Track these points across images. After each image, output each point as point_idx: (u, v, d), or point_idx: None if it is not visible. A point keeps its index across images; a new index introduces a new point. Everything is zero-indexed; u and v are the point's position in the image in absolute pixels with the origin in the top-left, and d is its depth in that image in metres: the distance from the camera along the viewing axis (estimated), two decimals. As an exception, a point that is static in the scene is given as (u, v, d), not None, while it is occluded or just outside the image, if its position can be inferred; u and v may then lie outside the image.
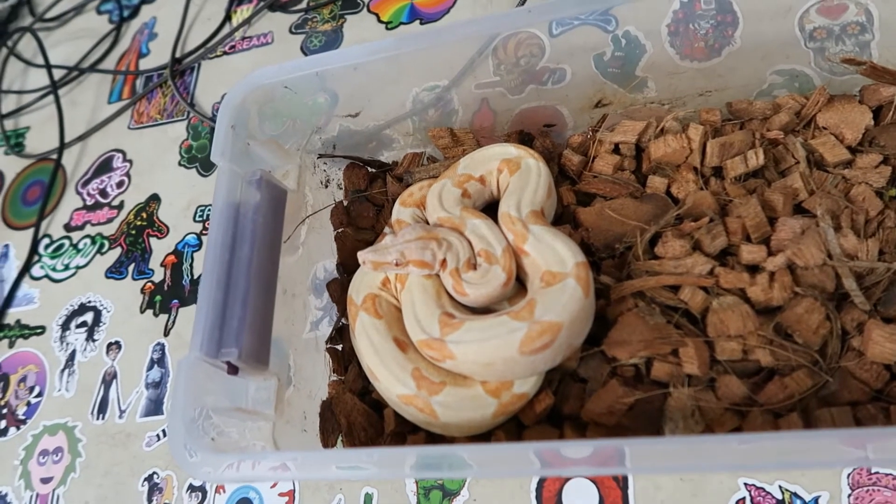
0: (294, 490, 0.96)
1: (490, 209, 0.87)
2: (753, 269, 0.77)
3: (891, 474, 0.74)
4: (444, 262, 0.78)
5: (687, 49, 0.96)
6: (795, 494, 0.76)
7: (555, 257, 0.75)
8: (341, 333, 0.93)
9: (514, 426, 0.78)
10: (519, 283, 0.81)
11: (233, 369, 0.75)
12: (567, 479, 0.84)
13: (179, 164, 1.33)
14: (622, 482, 0.82)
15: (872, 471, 0.75)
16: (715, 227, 0.78)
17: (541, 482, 0.85)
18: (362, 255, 0.79)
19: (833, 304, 0.73)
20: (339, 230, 0.98)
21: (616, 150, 0.91)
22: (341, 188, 1.04)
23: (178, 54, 1.47)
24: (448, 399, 0.74)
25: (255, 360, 0.77)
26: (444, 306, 0.77)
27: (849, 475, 0.75)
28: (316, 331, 0.94)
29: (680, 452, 0.57)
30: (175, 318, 1.14)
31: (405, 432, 0.82)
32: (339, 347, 0.92)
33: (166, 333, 1.13)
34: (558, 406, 0.77)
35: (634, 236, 0.81)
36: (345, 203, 1.01)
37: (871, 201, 0.77)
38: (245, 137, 0.88)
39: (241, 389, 0.78)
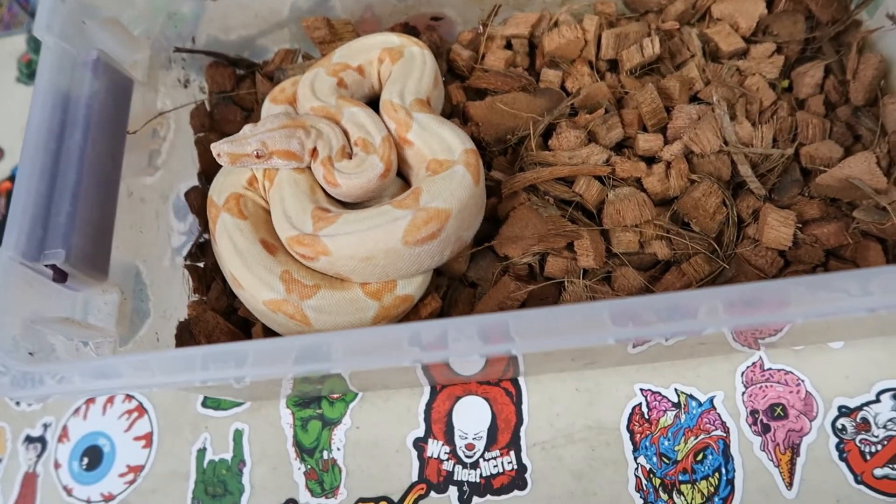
0: (152, 432, 0.84)
1: (372, 105, 0.78)
2: (650, 161, 0.73)
3: (783, 369, 0.72)
4: (314, 151, 0.68)
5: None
6: (691, 396, 0.73)
7: (441, 145, 0.67)
8: (203, 249, 0.82)
9: (397, 335, 0.70)
10: (401, 180, 0.73)
11: (59, 275, 0.63)
12: (458, 398, 0.77)
13: (18, 81, 1.16)
14: (516, 397, 0.76)
15: (765, 367, 0.73)
16: (611, 118, 0.73)
17: (429, 403, 0.78)
18: (217, 147, 0.67)
19: (729, 192, 0.69)
20: (201, 134, 0.86)
21: (508, 45, 0.84)
22: (204, 92, 0.91)
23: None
24: (322, 303, 0.65)
25: (90, 266, 0.65)
26: (319, 201, 0.68)
27: (742, 373, 0.73)
28: (179, 256, 0.83)
29: (568, 323, 0.50)
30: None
31: (277, 352, 0.72)
32: (201, 265, 0.81)
33: None
34: (446, 311, 0.70)
35: (527, 128, 0.74)
36: (207, 106, 0.88)
37: (764, 92, 0.74)
38: (79, 14, 0.74)
39: (74, 303, 0.66)
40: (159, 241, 0.81)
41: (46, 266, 0.62)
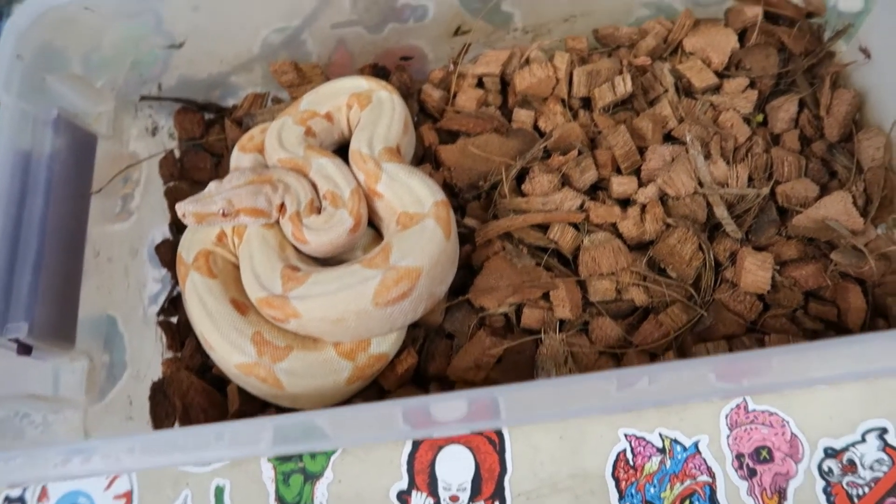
0: (132, 491, 0.82)
1: (342, 152, 0.76)
2: (625, 204, 0.71)
3: (767, 411, 0.71)
4: (282, 206, 0.67)
5: (554, -21, 0.89)
6: (675, 440, 0.72)
7: (411, 197, 0.66)
8: (176, 304, 0.80)
9: (373, 393, 0.69)
10: (373, 230, 0.72)
11: (24, 349, 0.61)
12: (440, 448, 0.76)
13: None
14: (499, 446, 0.75)
15: (749, 409, 0.72)
16: (584, 160, 0.72)
17: (412, 454, 0.76)
18: (181, 207, 0.65)
19: (705, 234, 0.68)
20: (171, 184, 0.84)
21: (480, 83, 0.83)
22: (174, 137, 0.90)
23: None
24: (295, 365, 0.64)
25: (55, 336, 0.64)
26: (288, 259, 0.66)
27: (727, 416, 0.72)
28: (154, 306, 0.81)
29: (555, 396, 0.50)
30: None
31: (253, 411, 0.71)
32: (174, 320, 0.80)
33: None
34: (423, 366, 0.69)
35: (500, 173, 0.73)
36: (177, 154, 0.87)
37: (738, 128, 0.73)
38: (41, 70, 0.73)
39: (43, 373, 0.64)
40: (129, 298, 0.79)
41: (10, 340, 0.61)
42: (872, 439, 0.68)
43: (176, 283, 0.80)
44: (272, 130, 0.74)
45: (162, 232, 0.85)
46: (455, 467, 0.75)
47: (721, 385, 0.53)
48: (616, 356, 0.65)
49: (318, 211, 0.68)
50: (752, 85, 0.75)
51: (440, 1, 0.89)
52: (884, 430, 0.69)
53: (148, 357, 0.77)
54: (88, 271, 0.70)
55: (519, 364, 0.65)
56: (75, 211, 0.70)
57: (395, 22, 0.91)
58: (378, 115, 0.73)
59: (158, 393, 0.73)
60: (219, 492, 0.79)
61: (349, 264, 0.64)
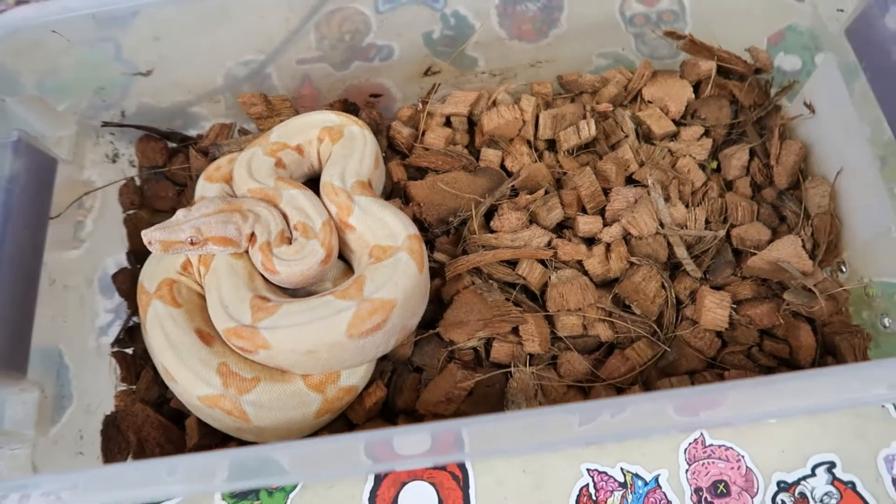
0: (73, 531, 0.77)
1: (311, 185, 0.76)
2: (590, 242, 0.74)
3: (723, 445, 0.74)
4: (252, 236, 0.66)
5: (516, 30, 0.93)
6: (636, 475, 0.73)
7: (384, 230, 0.67)
8: (132, 335, 0.77)
9: (341, 426, 0.68)
10: (343, 263, 0.72)
11: (-28, 378, 0.58)
12: (403, 484, 0.75)
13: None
14: (463, 481, 0.75)
15: (707, 443, 0.74)
16: (551, 199, 0.74)
17: (374, 490, 0.75)
18: (148, 234, 0.64)
19: (667, 273, 0.71)
20: (131, 212, 0.82)
21: (448, 123, 0.85)
22: (134, 165, 0.88)
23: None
24: (262, 398, 0.63)
25: (6, 365, 0.61)
26: (258, 289, 0.66)
27: (685, 450, 0.74)
28: (105, 336, 0.78)
29: (521, 429, 0.51)
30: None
31: (212, 446, 0.69)
32: (130, 351, 0.77)
33: None
34: (391, 399, 0.69)
35: (469, 210, 0.75)
36: (138, 182, 0.85)
37: (695, 173, 0.77)
38: (0, 92, 0.71)
39: (-11, 405, 0.61)
40: (83, 328, 0.76)
41: (-43, 369, 0.58)
42: (822, 473, 0.71)
43: (133, 313, 0.77)
44: (241, 161, 0.74)
45: (116, 261, 0.83)
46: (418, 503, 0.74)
47: (680, 418, 0.54)
48: (584, 390, 0.66)
49: (289, 241, 0.67)
50: (706, 133, 0.79)
51: (406, 43, 0.91)
52: (832, 465, 0.72)
53: (100, 390, 0.74)
54: (43, 299, 0.68)
55: (489, 397, 0.66)
56: (33, 236, 0.67)
57: (361, 61, 0.92)
58: (350, 149, 0.74)
59: (111, 427, 0.70)
60: (170, 533, 0.75)
61: (321, 295, 0.63)
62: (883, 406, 0.73)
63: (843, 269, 0.73)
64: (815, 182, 0.73)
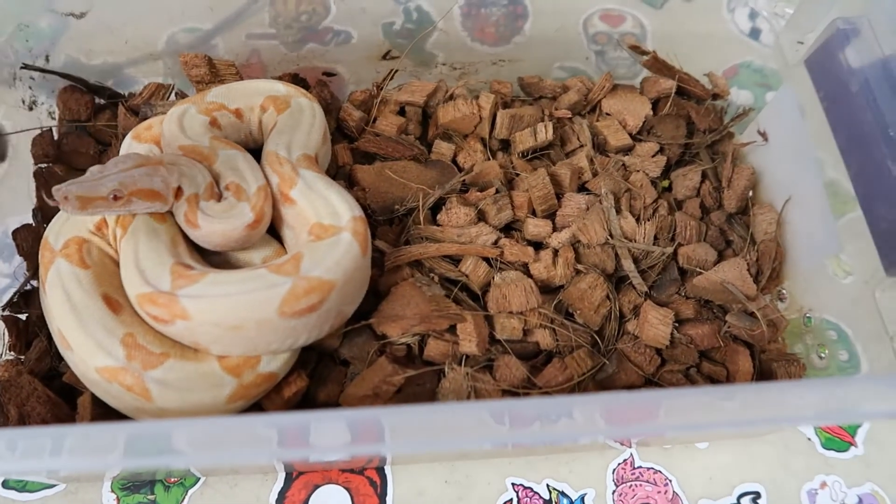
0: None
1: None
2: (537, 246, 0.71)
3: (652, 468, 0.72)
4: (178, 190, 0.60)
5: (478, 32, 0.91)
6: (563, 493, 0.70)
7: (327, 209, 0.62)
8: (28, 299, 0.70)
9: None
10: (278, 244, 0.67)
11: None
12: (316, 487, 0.70)
13: None
14: (380, 488, 0.70)
15: (636, 465, 0.72)
16: (501, 199, 0.71)
17: (282, 491, 0.69)
18: (63, 189, 0.55)
19: (612, 286, 0.69)
20: (43, 165, 0.75)
21: (401, 111, 0.81)
22: (54, 118, 0.80)
23: None
24: (169, 376, 0.56)
25: None
26: (180, 256, 0.59)
27: (613, 470, 0.71)
28: (-3, 302, 0.70)
29: (445, 423, 0.47)
30: None
31: (106, 427, 0.62)
32: (23, 317, 0.69)
33: None
34: (312, 391, 0.64)
35: (416, 200, 0.71)
36: (55, 135, 0.77)
37: (647, 189, 0.76)
38: None
39: None
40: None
41: None
42: (747, 502, 0.70)
43: (32, 275, 0.70)
44: (171, 116, 0.68)
45: (19, 219, 0.75)
46: (331, 509, 0.68)
47: (608, 427, 0.51)
48: (518, 396, 0.63)
49: (218, 199, 0.62)
50: (661, 151, 0.78)
51: (365, 32, 0.88)
52: (757, 495, 0.71)
53: (-18, 357, 0.65)
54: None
55: (419, 396, 0.61)
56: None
57: (316, 43, 0.89)
58: (297, 120, 0.69)
59: (-10, 398, 0.62)
60: (45, 525, 0.67)
61: (253, 268, 0.58)
62: (809, 439, 0.73)
63: (783, 299, 0.73)
64: (763, 209, 0.74)
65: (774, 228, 0.72)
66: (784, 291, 0.73)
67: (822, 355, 0.68)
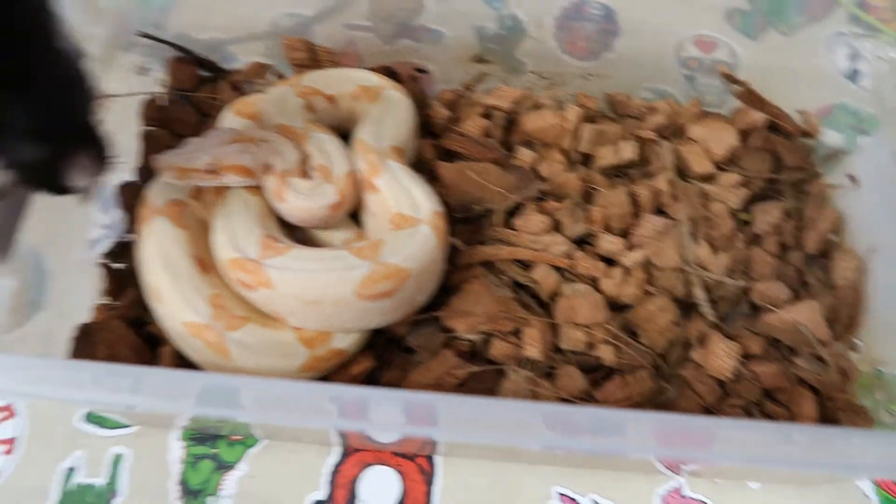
0: (16, 438, 0.73)
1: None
2: (609, 263, 0.72)
3: (701, 500, 0.71)
4: (269, 166, 0.63)
5: (569, 45, 0.92)
6: (605, 509, 0.71)
7: (409, 200, 0.64)
8: (125, 251, 0.74)
9: (319, 389, 0.65)
10: (355, 225, 0.69)
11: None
12: (368, 465, 0.72)
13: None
14: (430, 476, 0.72)
15: (684, 494, 0.71)
16: (578, 211, 0.72)
17: (337, 465, 0.72)
18: (163, 159, 0.60)
19: (681, 311, 0.69)
20: (150, 128, 0.79)
21: (487, 115, 0.83)
22: (164, 85, 0.85)
23: None
24: (248, 338, 0.59)
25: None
26: (269, 229, 0.63)
27: (662, 496, 0.71)
28: (92, 251, 0.75)
29: (499, 417, 0.48)
30: None
31: (182, 379, 0.65)
32: (120, 266, 0.73)
33: None
34: (376, 373, 0.66)
35: (495, 202, 0.73)
36: (160, 102, 0.82)
37: (725, 220, 0.75)
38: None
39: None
40: (72, 231, 0.73)
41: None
42: (794, 548, 0.69)
43: (130, 229, 0.74)
44: (269, 96, 0.71)
45: (119, 177, 0.80)
46: (379, 489, 0.71)
47: (659, 448, 0.51)
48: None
49: (307, 178, 0.65)
50: (744, 183, 0.78)
51: (458, 32, 0.90)
52: (807, 543, 0.69)
53: (79, 301, 0.70)
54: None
55: (478, 393, 0.63)
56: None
57: (409, 39, 0.91)
58: (387, 112, 0.72)
59: (84, 337, 0.66)
60: (116, 460, 0.71)
61: (334, 248, 0.61)
62: (866, 495, 0.72)
63: (856, 349, 0.72)
64: (845, 254, 0.72)
65: (856, 276, 0.70)
66: (858, 342, 0.71)
67: (892, 412, 0.67)
